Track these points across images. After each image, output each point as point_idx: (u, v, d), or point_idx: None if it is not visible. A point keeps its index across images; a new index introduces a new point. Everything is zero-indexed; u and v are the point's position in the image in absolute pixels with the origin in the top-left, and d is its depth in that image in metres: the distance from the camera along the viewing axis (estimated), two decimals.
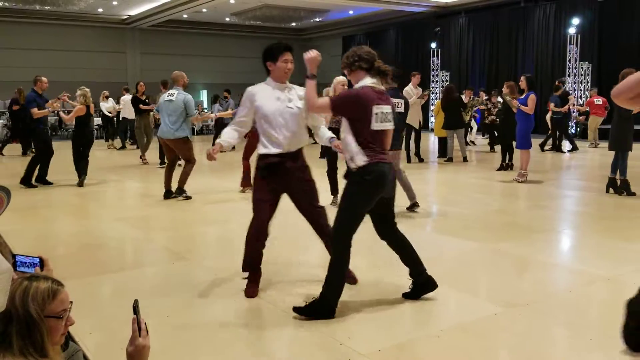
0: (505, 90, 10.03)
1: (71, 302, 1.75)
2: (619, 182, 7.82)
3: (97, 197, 8.38)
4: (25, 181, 8.89)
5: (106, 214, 7.16)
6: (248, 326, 3.49)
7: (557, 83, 14.18)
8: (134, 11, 22.34)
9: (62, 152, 10.63)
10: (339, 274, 3.53)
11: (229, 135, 3.99)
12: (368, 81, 3.56)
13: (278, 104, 3.88)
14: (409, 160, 11.70)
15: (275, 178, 3.88)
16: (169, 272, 4.70)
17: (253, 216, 3.99)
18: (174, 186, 7.83)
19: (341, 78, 6.28)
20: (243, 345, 3.26)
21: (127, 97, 15.15)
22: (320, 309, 3.51)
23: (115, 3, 20.93)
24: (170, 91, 7.87)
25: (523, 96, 8.96)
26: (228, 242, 5.78)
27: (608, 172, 8.09)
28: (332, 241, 3.61)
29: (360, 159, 3.45)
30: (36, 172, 9.03)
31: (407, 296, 3.90)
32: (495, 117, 13.37)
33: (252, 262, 4.07)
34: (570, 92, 16.31)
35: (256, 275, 4.05)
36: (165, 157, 8.52)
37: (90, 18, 22.89)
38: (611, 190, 7.89)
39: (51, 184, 9.06)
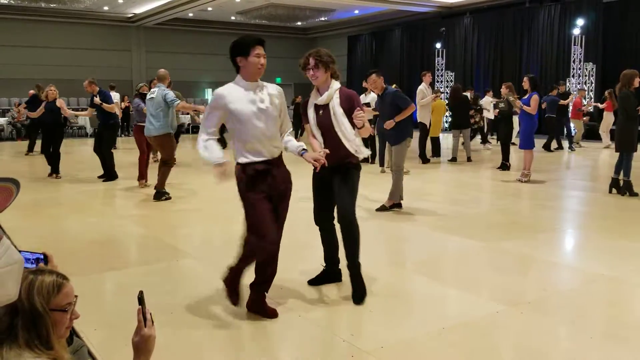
0: (504, 90, 10.07)
1: (76, 296, 1.78)
2: (621, 182, 7.82)
3: (102, 195, 8.43)
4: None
5: (111, 212, 7.21)
6: (251, 324, 3.52)
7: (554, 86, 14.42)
8: (140, 9, 22.40)
9: (66, 149, 10.68)
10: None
11: (214, 149, 3.44)
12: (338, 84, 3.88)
13: (253, 108, 3.39)
14: (426, 161, 11.75)
15: (264, 185, 3.44)
16: (174, 269, 4.74)
17: (256, 238, 3.44)
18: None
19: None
20: (246, 343, 3.29)
21: (115, 95, 15.25)
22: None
23: (120, 1, 20.99)
24: (154, 89, 7.92)
25: (526, 96, 8.98)
26: (233, 240, 5.80)
27: (611, 172, 8.10)
28: (348, 223, 3.78)
29: (365, 151, 3.90)
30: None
31: (311, 282, 4.15)
32: (480, 118, 13.60)
33: (236, 282, 3.71)
34: (575, 92, 16.28)
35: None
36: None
37: (96, 16, 22.96)
38: (614, 190, 7.90)
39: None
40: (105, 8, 22.13)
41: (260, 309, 3.57)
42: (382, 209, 6.84)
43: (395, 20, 24.05)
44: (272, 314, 3.55)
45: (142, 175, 8.77)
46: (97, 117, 9.56)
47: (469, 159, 12.05)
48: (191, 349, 3.18)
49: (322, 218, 4.04)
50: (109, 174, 9.51)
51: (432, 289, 4.22)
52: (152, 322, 1.86)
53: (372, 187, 7.86)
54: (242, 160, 3.44)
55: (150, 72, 22.05)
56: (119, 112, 16.57)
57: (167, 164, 7.73)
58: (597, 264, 4.74)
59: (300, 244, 5.14)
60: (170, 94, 7.68)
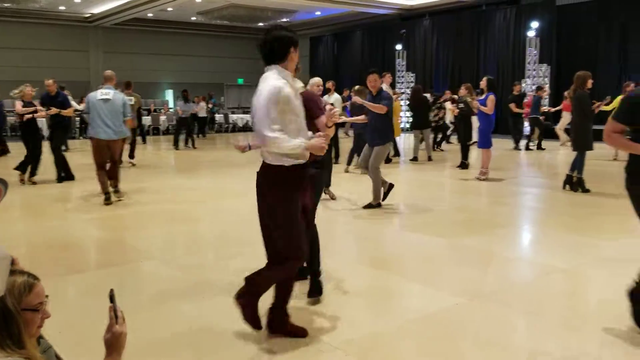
0: (462, 91, 10.35)
1: (47, 296, 1.80)
2: (575, 179, 8.13)
3: (62, 198, 8.28)
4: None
5: (71, 215, 7.09)
6: (217, 323, 3.55)
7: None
8: (97, 9, 22.00)
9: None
10: None
11: (292, 139, 3.00)
12: None
13: (299, 103, 3.14)
14: (387, 161, 11.90)
15: (301, 192, 3.15)
16: (138, 271, 4.73)
17: (295, 251, 3.09)
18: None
19: (317, 79, 6.48)
20: (214, 341, 3.32)
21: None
22: None
23: (77, 1, 20.59)
24: (104, 90, 7.53)
25: (483, 97, 9.26)
26: (197, 241, 5.82)
27: (566, 170, 8.41)
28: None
29: None
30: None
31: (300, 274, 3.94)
32: (441, 118, 13.90)
33: (256, 305, 3.27)
34: (532, 92, 16.78)
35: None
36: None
37: (52, 16, 22.44)
38: (567, 187, 8.20)
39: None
40: (62, 8, 21.66)
41: (290, 331, 3.30)
42: (369, 206, 7.07)
43: (357, 22, 24.30)
44: (303, 333, 3.28)
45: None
46: (50, 117, 9.41)
47: (429, 159, 12.29)
48: (156, 349, 3.20)
49: None
50: (66, 174, 9.29)
51: (396, 285, 4.34)
52: (124, 319, 1.89)
53: (335, 187, 7.95)
54: (288, 161, 3.04)
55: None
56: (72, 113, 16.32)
57: (117, 164, 7.81)
58: (552, 257, 4.94)
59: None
60: (129, 106, 7.72)
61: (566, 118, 15.25)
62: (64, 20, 23.02)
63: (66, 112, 9.36)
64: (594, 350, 3.15)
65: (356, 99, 7.40)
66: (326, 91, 11.33)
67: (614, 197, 7.44)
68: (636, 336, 3.23)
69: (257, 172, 3.17)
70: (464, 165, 10.81)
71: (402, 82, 22.23)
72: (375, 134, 7.01)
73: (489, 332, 3.37)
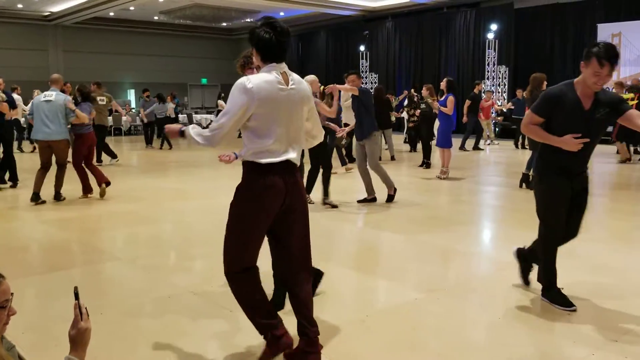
0: (425, 92, 10.58)
1: (12, 294, 1.84)
2: (531, 177, 8.42)
3: (20, 200, 8.14)
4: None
5: (31, 217, 6.99)
6: (181, 318, 3.60)
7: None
8: (56, 8, 21.56)
9: None
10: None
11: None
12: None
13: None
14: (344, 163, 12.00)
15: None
16: (101, 271, 4.72)
17: (224, 263, 2.91)
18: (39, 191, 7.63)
19: (313, 77, 6.89)
20: (177, 337, 3.37)
21: (18, 98, 14.69)
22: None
23: None
24: (47, 92, 7.62)
25: (443, 98, 9.50)
26: (160, 241, 5.83)
27: (522, 168, 8.70)
28: None
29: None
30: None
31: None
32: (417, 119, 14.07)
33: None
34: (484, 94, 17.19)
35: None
36: (90, 155, 8.22)
37: (9, 14, 21.89)
38: (524, 185, 8.49)
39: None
40: (20, 6, 21.15)
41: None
42: (390, 199, 7.53)
43: (321, 23, 24.45)
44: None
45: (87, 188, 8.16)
46: None
47: (392, 158, 12.50)
48: (122, 348, 3.23)
49: None
50: (12, 177, 9.01)
51: (357, 281, 4.47)
52: (88, 315, 1.95)
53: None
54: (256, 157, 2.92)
55: (68, 73, 21.25)
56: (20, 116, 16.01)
57: (64, 166, 7.81)
58: (508, 253, 5.12)
59: None
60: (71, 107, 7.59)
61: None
62: (22, 18, 22.49)
63: (10, 113, 9.11)
64: (544, 339, 3.32)
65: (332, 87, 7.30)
66: None
67: None
68: (584, 326, 3.42)
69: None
70: (426, 164, 11.04)
71: (366, 83, 22.48)
72: (357, 129, 7.39)
73: (446, 324, 3.52)
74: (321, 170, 7.18)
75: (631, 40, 16.53)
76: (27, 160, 12.97)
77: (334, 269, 4.82)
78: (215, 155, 3.81)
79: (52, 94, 7.54)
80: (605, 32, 16.57)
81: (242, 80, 2.78)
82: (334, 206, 7.16)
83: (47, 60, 23.82)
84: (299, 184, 2.94)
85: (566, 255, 4.17)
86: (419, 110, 12.84)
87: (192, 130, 2.91)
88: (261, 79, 2.77)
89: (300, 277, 2.96)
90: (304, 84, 2.97)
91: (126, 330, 3.46)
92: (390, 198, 7.52)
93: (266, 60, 2.83)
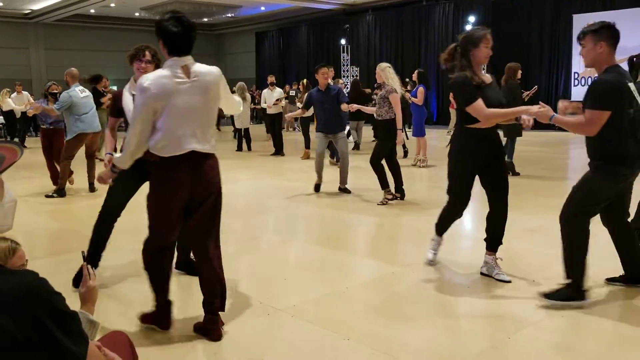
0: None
1: (27, 260, 2.10)
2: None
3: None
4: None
5: (23, 207, 7.18)
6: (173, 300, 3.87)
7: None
8: (37, 5, 21.53)
9: None
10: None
11: None
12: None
13: None
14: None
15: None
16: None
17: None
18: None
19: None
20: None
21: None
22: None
23: None
24: (80, 87, 7.93)
25: (414, 89, 9.86)
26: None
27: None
28: None
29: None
30: None
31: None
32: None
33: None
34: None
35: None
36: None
37: None
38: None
39: None
40: (0, 4, 21.09)
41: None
42: (344, 190, 7.66)
43: (302, 17, 24.66)
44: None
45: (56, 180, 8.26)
46: None
47: (357, 147, 12.79)
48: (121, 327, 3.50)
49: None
50: None
51: (338, 258, 4.78)
52: (95, 275, 2.21)
53: (296, 174, 8.32)
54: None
55: (50, 71, 21.31)
56: None
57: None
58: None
59: None
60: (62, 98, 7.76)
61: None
62: (2, 16, 22.41)
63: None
64: (510, 309, 3.65)
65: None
66: (265, 85, 11.66)
67: (539, 179, 8.10)
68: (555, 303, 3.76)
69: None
70: (403, 153, 11.32)
71: (347, 76, 22.75)
72: (337, 124, 7.56)
73: (418, 293, 3.85)
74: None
75: None
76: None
77: (316, 249, 5.12)
78: None
79: (85, 90, 8.03)
80: (581, 22, 16.98)
81: (140, 80, 2.97)
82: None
83: (28, 58, 23.77)
84: (207, 175, 3.06)
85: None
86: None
87: (115, 156, 3.16)
88: (157, 75, 2.96)
89: (202, 257, 3.22)
90: (210, 75, 3.07)
91: (116, 311, 3.72)
92: (345, 189, 7.70)
93: (171, 54, 2.99)
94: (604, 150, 3.40)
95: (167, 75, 2.95)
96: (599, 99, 3.30)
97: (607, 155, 3.39)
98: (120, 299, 3.89)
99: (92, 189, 8.04)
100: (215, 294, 3.20)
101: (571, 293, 3.49)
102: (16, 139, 16.01)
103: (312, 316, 3.48)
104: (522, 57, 15.36)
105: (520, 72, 8.57)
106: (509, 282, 3.94)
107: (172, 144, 2.97)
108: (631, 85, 3.38)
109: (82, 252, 2.26)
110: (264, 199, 7.56)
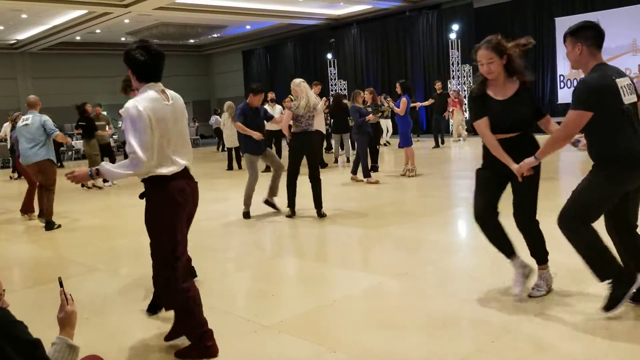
0: (367, 96, 10.88)
1: (4, 290, 2.11)
2: None
3: None
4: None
5: (10, 237, 7.17)
6: (165, 320, 3.86)
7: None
8: (23, 35, 21.60)
9: None
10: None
11: None
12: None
13: None
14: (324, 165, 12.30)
15: None
16: (86, 282, 4.95)
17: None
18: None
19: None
20: (159, 339, 3.63)
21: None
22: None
23: (1, 28, 20.18)
24: (25, 116, 7.68)
25: (398, 100, 9.92)
26: (139, 252, 6.06)
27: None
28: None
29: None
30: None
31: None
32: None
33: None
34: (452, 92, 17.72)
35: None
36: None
37: None
38: None
39: None
40: None
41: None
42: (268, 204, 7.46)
43: (287, 34, 24.83)
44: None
45: (27, 209, 8.25)
46: None
47: (348, 160, 12.82)
48: (107, 353, 3.49)
49: None
50: None
51: (325, 271, 4.80)
52: (72, 300, 2.23)
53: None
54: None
55: (40, 99, 21.28)
56: None
57: (50, 191, 7.48)
58: (463, 238, 5.50)
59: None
60: (50, 123, 7.49)
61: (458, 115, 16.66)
62: None
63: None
64: (493, 314, 3.67)
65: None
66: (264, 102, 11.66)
67: None
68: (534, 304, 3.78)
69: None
70: (373, 168, 10.75)
71: (335, 90, 22.87)
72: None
73: (406, 303, 3.86)
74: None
75: None
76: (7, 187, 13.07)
77: (304, 263, 5.13)
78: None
79: (29, 117, 7.51)
80: (564, 25, 17.19)
81: (130, 106, 2.97)
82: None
83: (16, 88, 23.80)
84: (197, 190, 3.29)
85: None
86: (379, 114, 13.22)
87: (108, 165, 3.13)
88: (146, 98, 3.01)
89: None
90: (180, 99, 3.28)
91: (112, 336, 3.71)
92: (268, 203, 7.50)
93: (141, 81, 3.09)
94: (604, 150, 3.30)
95: (155, 97, 3.07)
96: (578, 99, 3.28)
97: (607, 155, 3.30)
98: (106, 324, 3.87)
99: (48, 227, 7.36)
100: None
101: (621, 289, 3.28)
102: None
103: (299, 331, 3.48)
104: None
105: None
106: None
107: (167, 162, 3.09)
108: (621, 80, 3.26)
109: (59, 278, 2.27)
110: (251, 217, 7.49)
